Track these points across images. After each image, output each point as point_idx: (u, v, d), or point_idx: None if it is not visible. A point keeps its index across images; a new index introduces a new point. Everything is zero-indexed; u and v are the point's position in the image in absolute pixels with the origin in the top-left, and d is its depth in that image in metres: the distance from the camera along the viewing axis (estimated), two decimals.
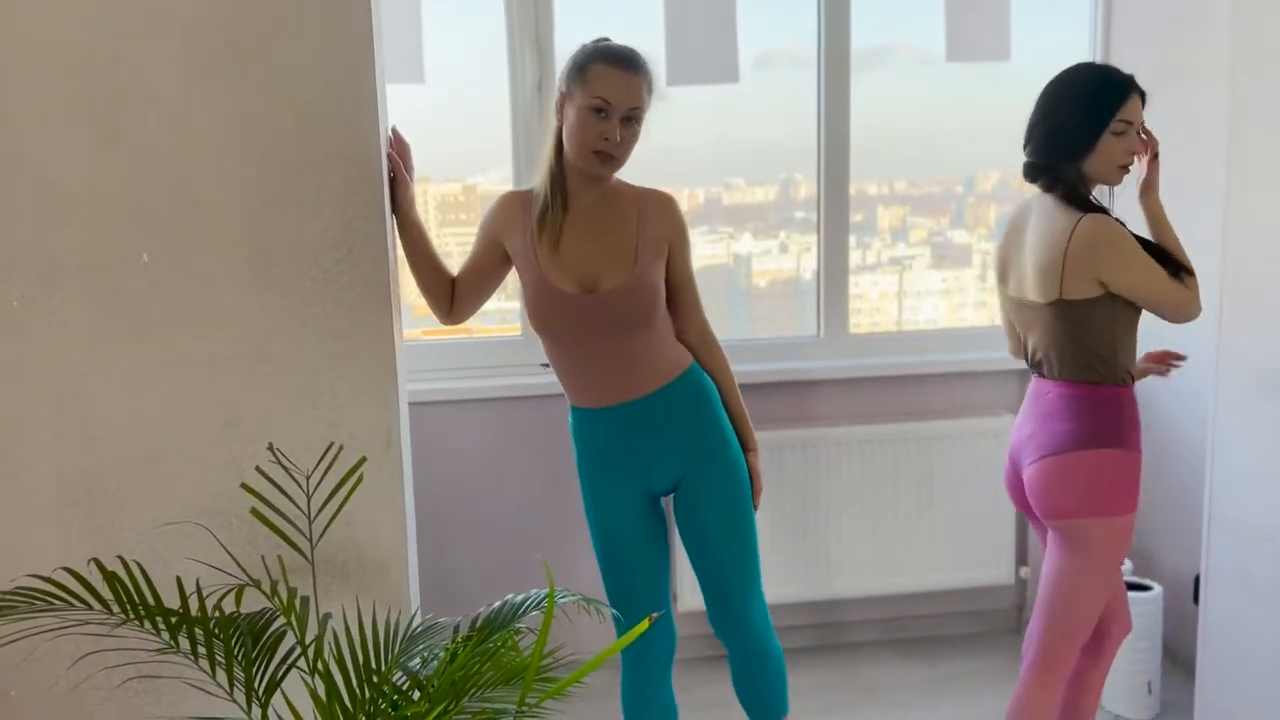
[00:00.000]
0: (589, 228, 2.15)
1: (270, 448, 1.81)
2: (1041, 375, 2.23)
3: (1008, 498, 2.38)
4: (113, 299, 1.86)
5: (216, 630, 1.56)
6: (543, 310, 2.14)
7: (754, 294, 3.58)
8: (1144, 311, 2.15)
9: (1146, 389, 3.13)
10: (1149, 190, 2.20)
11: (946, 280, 3.65)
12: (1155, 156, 2.20)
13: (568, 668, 1.56)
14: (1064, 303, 2.10)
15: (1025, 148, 2.19)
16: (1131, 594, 2.54)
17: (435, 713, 1.47)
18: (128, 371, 1.89)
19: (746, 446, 2.28)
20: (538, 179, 2.17)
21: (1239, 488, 2.39)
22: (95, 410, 1.88)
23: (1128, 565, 3.00)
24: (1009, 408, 3.28)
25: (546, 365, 3.02)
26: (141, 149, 1.84)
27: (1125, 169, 2.15)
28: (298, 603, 1.63)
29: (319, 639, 1.60)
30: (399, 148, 2.09)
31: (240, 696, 1.58)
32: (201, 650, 1.57)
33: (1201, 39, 2.94)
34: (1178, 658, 3.06)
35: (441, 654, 1.60)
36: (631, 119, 2.07)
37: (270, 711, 1.59)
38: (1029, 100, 2.19)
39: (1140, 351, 2.26)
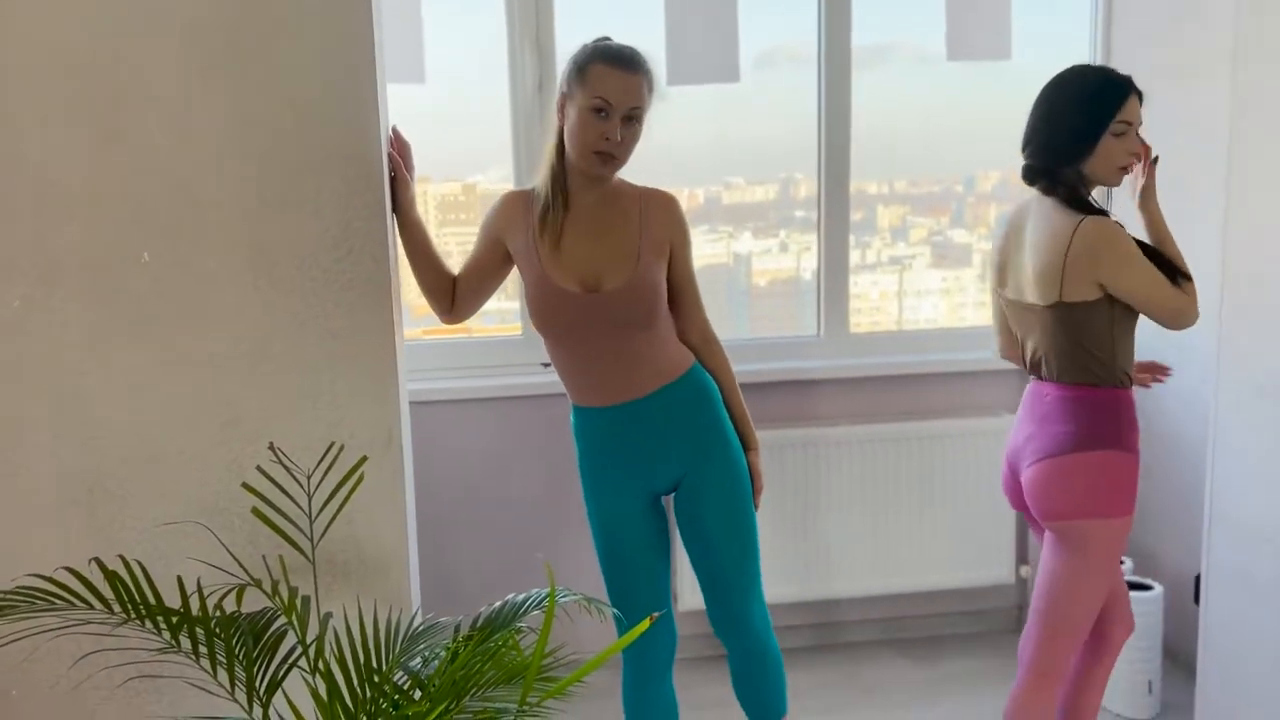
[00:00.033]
0: (591, 227, 2.15)
1: (271, 447, 1.81)
2: (1039, 377, 2.23)
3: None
4: (113, 299, 1.86)
5: (218, 630, 1.56)
6: (545, 310, 2.14)
7: (754, 293, 3.58)
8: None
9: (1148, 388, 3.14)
10: (1148, 197, 2.20)
11: (946, 280, 3.65)
12: (1154, 163, 2.20)
13: (569, 667, 1.56)
14: (1064, 305, 2.10)
15: (1024, 151, 2.18)
16: (1132, 594, 2.53)
17: (436, 712, 1.47)
18: (128, 371, 1.89)
19: (748, 446, 2.28)
20: (539, 178, 2.17)
21: (1240, 487, 2.39)
22: (96, 410, 1.88)
23: (1128, 564, 3.00)
24: (1009, 407, 3.28)
25: (547, 365, 3.02)
26: (141, 149, 1.84)
27: (1125, 170, 2.14)
28: (299, 602, 1.63)
29: (320, 638, 1.60)
30: (399, 147, 2.09)
31: (241, 696, 1.58)
32: (203, 650, 1.57)
33: (1202, 38, 2.94)
34: (1178, 657, 3.06)
35: (443, 653, 1.60)
36: (632, 118, 2.07)
37: (271, 711, 1.59)
38: (1029, 99, 2.18)
39: (1145, 354, 2.26)
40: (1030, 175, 2.18)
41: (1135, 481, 2.14)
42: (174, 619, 1.55)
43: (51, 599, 1.55)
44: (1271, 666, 2.33)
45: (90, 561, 1.59)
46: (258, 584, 1.64)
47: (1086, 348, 2.11)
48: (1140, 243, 2.12)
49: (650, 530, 2.26)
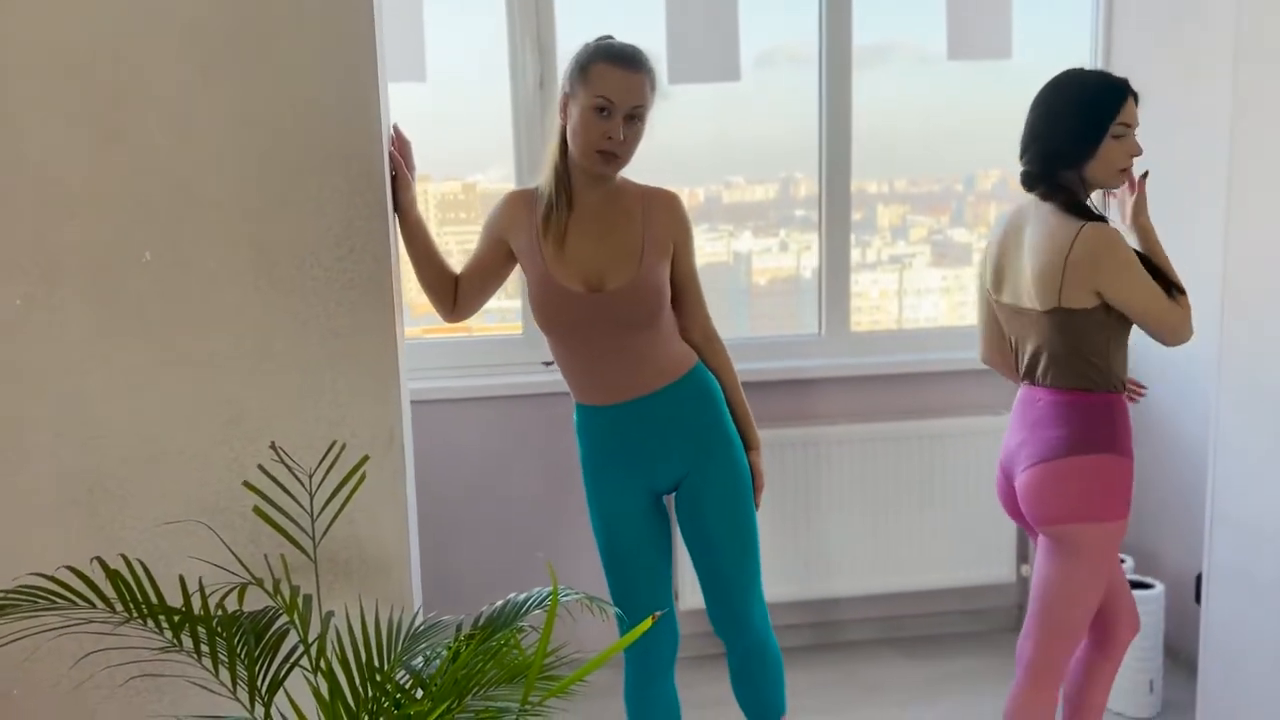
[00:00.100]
0: (594, 227, 2.15)
1: (273, 446, 1.81)
2: (1032, 383, 2.22)
3: None
4: (114, 298, 1.86)
5: (219, 629, 1.56)
6: (548, 309, 2.14)
7: (754, 292, 3.58)
8: None
9: (1150, 387, 3.14)
10: (1139, 212, 2.20)
11: (947, 278, 3.65)
12: (1143, 178, 2.20)
13: (571, 666, 1.56)
14: (1061, 310, 2.09)
15: (1022, 157, 2.17)
16: (1133, 593, 2.53)
17: (438, 711, 1.47)
18: (129, 370, 1.88)
19: (749, 445, 2.28)
20: (542, 178, 2.17)
21: (1241, 487, 2.39)
22: (96, 409, 1.88)
23: (1129, 563, 3.00)
24: (1009, 406, 3.27)
25: (548, 364, 3.02)
26: (142, 148, 1.84)
27: (1125, 172, 2.14)
28: (300, 601, 1.63)
29: (322, 637, 1.60)
30: (400, 146, 2.09)
31: (243, 695, 1.58)
32: (204, 649, 1.57)
33: (1202, 38, 2.94)
34: (1179, 656, 3.06)
35: (444, 652, 1.60)
36: (635, 117, 2.07)
37: (273, 710, 1.59)
38: (1030, 99, 2.18)
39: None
40: (1030, 181, 2.17)
41: (1130, 485, 2.14)
42: (176, 618, 1.55)
43: (53, 598, 1.55)
44: (1272, 666, 2.33)
45: (92, 560, 1.59)
46: (259, 583, 1.64)
47: (1084, 354, 2.11)
48: (1137, 253, 2.11)
49: (652, 529, 2.26)
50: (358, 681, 1.58)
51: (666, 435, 2.19)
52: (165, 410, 1.90)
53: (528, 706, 1.48)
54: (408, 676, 1.59)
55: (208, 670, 1.58)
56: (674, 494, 2.27)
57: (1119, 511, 2.12)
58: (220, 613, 1.57)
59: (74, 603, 1.55)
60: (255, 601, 1.65)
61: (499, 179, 3.23)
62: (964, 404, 3.29)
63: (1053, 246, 2.07)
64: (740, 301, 3.61)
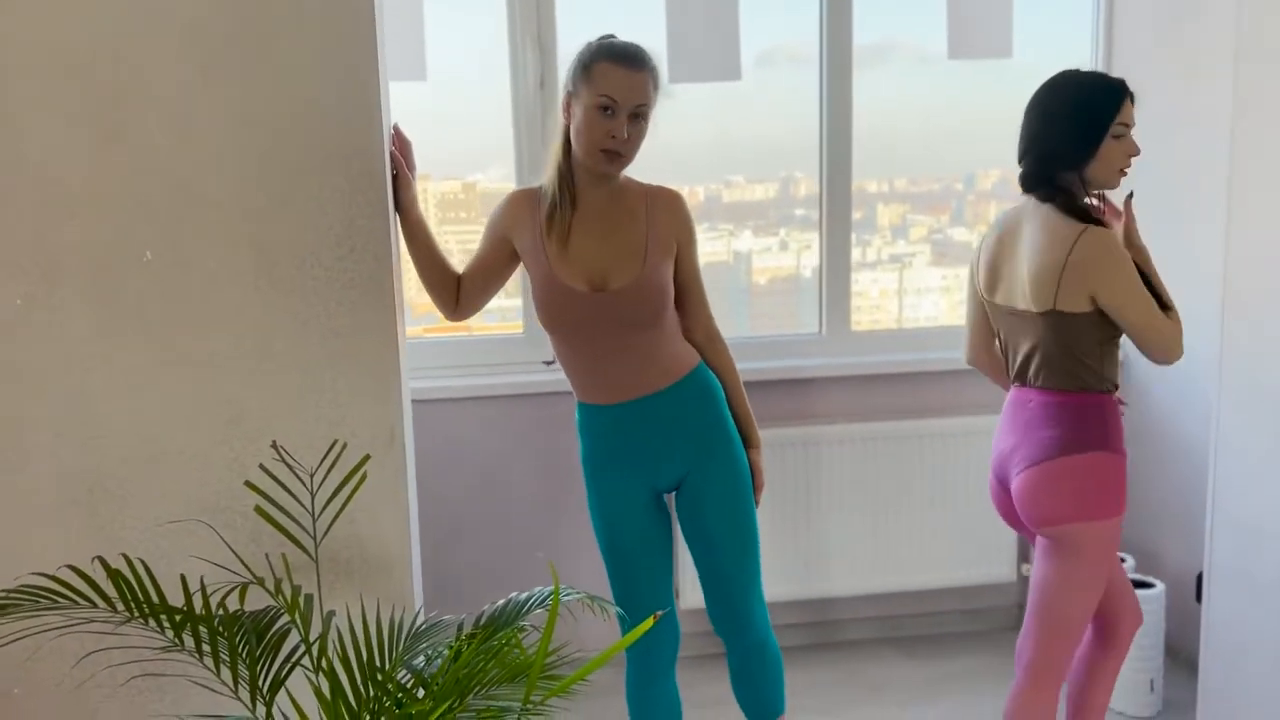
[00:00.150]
0: (598, 226, 2.15)
1: (274, 445, 1.81)
2: (1024, 384, 2.22)
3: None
4: (114, 298, 1.86)
5: (221, 628, 1.56)
6: (552, 308, 2.14)
7: (754, 291, 3.58)
8: None
9: (1150, 387, 3.14)
10: (1130, 232, 2.19)
11: (947, 277, 3.65)
12: (1129, 199, 2.20)
13: (572, 665, 1.57)
14: (1057, 313, 2.08)
15: (1021, 160, 2.17)
16: (1134, 592, 2.53)
17: (440, 711, 1.47)
18: (129, 370, 1.88)
19: (750, 444, 2.28)
20: (546, 177, 2.17)
21: (1241, 486, 2.40)
22: (97, 409, 1.88)
23: (1130, 562, 3.00)
24: None
25: (548, 363, 3.02)
26: (142, 148, 1.84)
27: (1124, 172, 2.14)
28: (301, 600, 1.63)
29: (323, 637, 1.60)
30: (400, 145, 2.08)
31: (245, 694, 1.57)
32: (206, 648, 1.57)
33: (1202, 38, 2.94)
34: (1180, 655, 3.06)
35: (446, 652, 1.60)
36: (638, 116, 2.07)
37: (275, 709, 1.59)
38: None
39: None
40: (1029, 183, 2.17)
41: (1124, 481, 2.14)
42: (177, 617, 1.55)
43: (54, 598, 1.55)
44: (1273, 665, 2.33)
45: (93, 560, 1.58)
46: (260, 582, 1.64)
47: (1077, 356, 2.10)
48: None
49: (653, 528, 2.26)
50: (359, 681, 1.58)
51: (669, 435, 2.19)
52: (165, 410, 1.90)
53: (529, 706, 1.48)
54: (409, 676, 1.59)
55: (209, 670, 1.58)
56: (675, 493, 2.27)
57: (1114, 508, 2.12)
58: (221, 612, 1.57)
59: (75, 602, 1.55)
60: (256, 601, 1.65)
61: (499, 178, 3.23)
62: (964, 403, 3.29)
63: (1053, 247, 2.07)
64: (740, 301, 3.61)
